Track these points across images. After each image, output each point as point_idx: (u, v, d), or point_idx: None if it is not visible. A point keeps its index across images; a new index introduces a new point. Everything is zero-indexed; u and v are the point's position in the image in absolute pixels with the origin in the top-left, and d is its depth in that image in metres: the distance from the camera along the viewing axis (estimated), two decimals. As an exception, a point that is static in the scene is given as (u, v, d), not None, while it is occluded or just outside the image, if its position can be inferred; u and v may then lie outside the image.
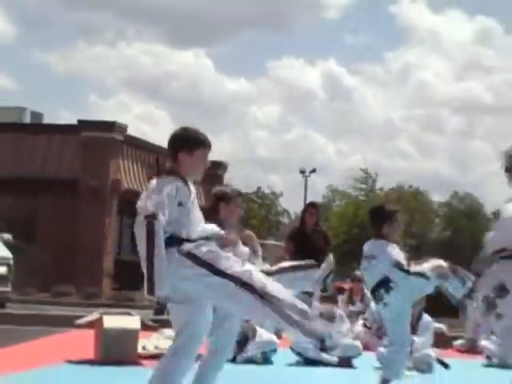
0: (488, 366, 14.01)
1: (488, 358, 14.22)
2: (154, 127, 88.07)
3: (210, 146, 7.48)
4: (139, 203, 7.02)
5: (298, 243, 16.07)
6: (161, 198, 7.00)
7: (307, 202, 25.94)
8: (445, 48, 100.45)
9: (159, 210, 6.91)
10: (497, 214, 6.57)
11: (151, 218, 6.84)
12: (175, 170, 7.29)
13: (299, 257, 11.74)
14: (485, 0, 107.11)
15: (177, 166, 7.30)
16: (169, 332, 14.22)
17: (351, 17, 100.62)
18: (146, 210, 6.92)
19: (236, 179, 52.88)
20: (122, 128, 33.83)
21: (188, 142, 7.35)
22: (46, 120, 39.21)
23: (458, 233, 64.29)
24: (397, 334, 9.50)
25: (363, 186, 71.78)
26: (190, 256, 7.01)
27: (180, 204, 7.14)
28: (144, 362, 11.90)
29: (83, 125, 33.39)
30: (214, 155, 8.05)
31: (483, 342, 14.82)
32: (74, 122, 34.36)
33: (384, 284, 9.65)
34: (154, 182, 7.18)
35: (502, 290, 6.02)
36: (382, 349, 12.94)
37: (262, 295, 6.95)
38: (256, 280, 6.99)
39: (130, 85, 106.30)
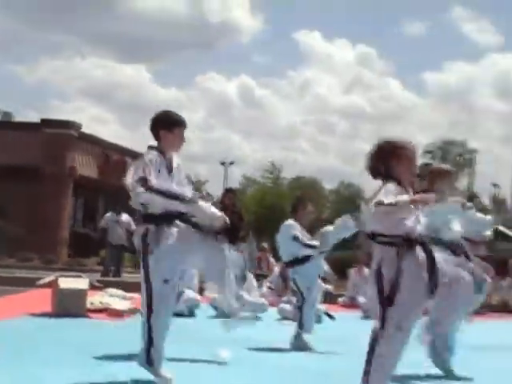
0: (364, 318, 14.29)
1: (364, 311, 14.52)
2: (103, 126, 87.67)
3: (186, 126, 7.52)
4: (128, 178, 6.98)
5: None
6: (145, 164, 7.00)
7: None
8: (335, 68, 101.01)
9: (147, 174, 6.89)
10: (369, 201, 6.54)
11: (143, 182, 6.81)
12: (156, 146, 7.32)
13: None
14: (364, 31, 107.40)
15: (159, 142, 7.34)
16: (112, 291, 14.41)
17: (261, 41, 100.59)
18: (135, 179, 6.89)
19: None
20: (77, 126, 33.75)
21: (168, 121, 7.40)
22: (15, 118, 38.89)
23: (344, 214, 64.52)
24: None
25: (270, 175, 72.55)
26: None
27: (158, 171, 7.09)
28: (91, 315, 12.08)
29: (45, 123, 33.37)
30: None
31: (360, 299, 15.17)
32: (38, 120, 34.33)
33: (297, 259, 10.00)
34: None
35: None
36: (282, 305, 13.23)
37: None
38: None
39: (85, 92, 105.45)
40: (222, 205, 17.12)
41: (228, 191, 18.95)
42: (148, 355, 6.92)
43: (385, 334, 5.82)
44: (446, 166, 11.13)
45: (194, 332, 9.80)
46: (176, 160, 7.43)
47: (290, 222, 10.33)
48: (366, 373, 5.85)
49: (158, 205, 6.93)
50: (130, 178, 6.96)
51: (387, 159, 6.16)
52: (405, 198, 5.80)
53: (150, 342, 6.93)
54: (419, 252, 5.92)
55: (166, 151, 7.30)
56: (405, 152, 6.20)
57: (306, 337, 9.97)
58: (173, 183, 7.18)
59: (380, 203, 5.78)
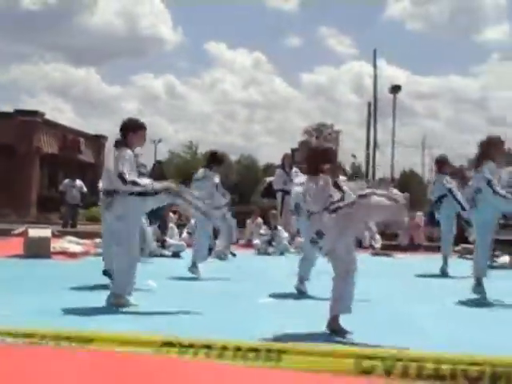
0: (257, 254, 14.49)
1: (257, 250, 14.70)
2: (61, 114, 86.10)
3: (146, 128, 7.59)
4: (116, 167, 7.07)
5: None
6: (125, 160, 7.09)
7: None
8: (236, 70, 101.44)
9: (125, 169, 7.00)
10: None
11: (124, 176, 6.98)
12: (126, 144, 7.33)
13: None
14: (258, 42, 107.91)
15: (127, 141, 7.35)
16: (69, 238, 14.34)
17: (180, 49, 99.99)
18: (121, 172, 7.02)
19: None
20: (41, 114, 33.34)
21: (133, 125, 7.48)
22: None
23: (244, 178, 64.33)
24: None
25: (189, 150, 72.91)
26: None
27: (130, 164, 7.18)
28: (54, 256, 12.01)
29: (18, 112, 32.93)
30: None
31: (254, 241, 15.25)
32: (12, 110, 33.80)
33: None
34: (119, 151, 7.23)
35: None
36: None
37: None
38: None
39: (47, 89, 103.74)
40: (153, 172, 17.27)
41: (157, 163, 19.11)
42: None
43: None
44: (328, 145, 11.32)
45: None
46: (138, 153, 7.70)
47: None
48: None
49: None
50: (116, 167, 7.08)
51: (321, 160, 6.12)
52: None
53: None
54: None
55: (132, 148, 7.38)
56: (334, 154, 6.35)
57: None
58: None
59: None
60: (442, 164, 11.66)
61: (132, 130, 7.43)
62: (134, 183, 6.99)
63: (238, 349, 3.96)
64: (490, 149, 8.60)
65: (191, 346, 4.05)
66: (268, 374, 3.91)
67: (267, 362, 3.82)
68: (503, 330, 6.41)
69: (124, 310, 6.81)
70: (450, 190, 11.16)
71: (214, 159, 10.49)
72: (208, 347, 4.01)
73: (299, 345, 4.45)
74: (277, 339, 4.97)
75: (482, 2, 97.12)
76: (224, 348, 3.97)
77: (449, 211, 11.31)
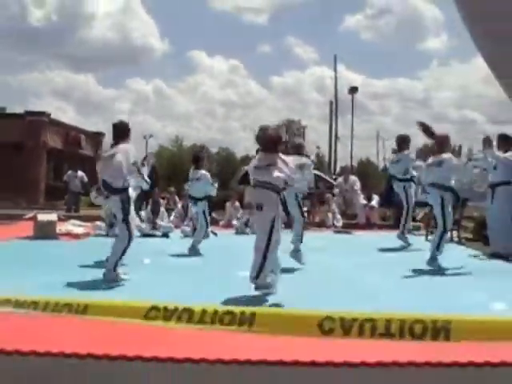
0: (236, 234, 14.23)
1: (236, 230, 14.62)
2: (65, 114, 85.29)
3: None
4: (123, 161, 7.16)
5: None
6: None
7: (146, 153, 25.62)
8: (215, 74, 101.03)
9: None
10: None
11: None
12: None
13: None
14: (234, 50, 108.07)
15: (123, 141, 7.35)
16: (73, 221, 14.25)
17: (167, 57, 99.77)
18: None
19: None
20: (47, 115, 33.09)
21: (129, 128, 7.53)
22: (8, 111, 37.61)
23: (224, 168, 63.97)
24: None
25: (176, 144, 73.63)
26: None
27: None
28: (60, 237, 11.94)
29: (27, 113, 32.64)
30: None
31: (234, 222, 15.22)
32: (22, 111, 33.51)
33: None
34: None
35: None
36: (183, 227, 13.22)
37: None
38: None
39: (52, 92, 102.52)
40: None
41: (147, 155, 19.07)
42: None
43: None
44: (298, 140, 11.37)
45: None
46: None
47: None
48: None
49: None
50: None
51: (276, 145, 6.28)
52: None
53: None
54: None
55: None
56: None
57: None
58: None
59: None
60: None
61: (128, 132, 7.53)
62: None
63: (215, 312, 3.98)
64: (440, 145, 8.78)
65: (175, 309, 4.07)
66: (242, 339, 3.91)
67: (241, 325, 3.84)
68: (442, 293, 6.51)
69: (119, 282, 6.84)
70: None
71: (199, 160, 10.54)
72: (190, 310, 4.02)
73: (269, 309, 4.48)
74: (250, 304, 4.97)
75: (423, 16, 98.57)
76: (204, 311, 3.99)
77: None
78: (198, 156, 10.73)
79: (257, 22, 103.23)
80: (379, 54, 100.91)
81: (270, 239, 6.00)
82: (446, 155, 8.64)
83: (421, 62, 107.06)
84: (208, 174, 10.26)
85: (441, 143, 8.83)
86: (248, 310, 4.07)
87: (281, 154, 6.28)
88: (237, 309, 4.08)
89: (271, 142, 6.30)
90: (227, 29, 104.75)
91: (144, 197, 13.54)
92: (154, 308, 4.12)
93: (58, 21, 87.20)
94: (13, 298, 4.61)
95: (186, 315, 4.01)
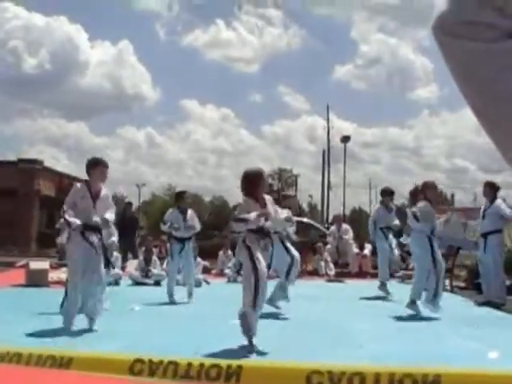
0: (228, 282, 14.15)
1: (228, 278, 14.42)
2: (57, 162, 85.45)
3: (106, 165, 7.32)
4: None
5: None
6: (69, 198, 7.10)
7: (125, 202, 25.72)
8: (206, 123, 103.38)
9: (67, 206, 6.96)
10: (236, 208, 6.71)
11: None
12: (86, 180, 7.23)
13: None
14: (225, 99, 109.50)
15: (89, 177, 7.20)
16: (65, 269, 14.11)
17: (159, 105, 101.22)
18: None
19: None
20: (40, 162, 33.14)
21: (93, 162, 7.26)
22: (1, 158, 37.72)
23: (217, 216, 63.86)
24: None
25: (168, 192, 74.42)
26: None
27: (82, 197, 7.06)
28: (52, 285, 11.81)
29: (20, 161, 32.68)
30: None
31: (226, 271, 15.07)
32: (15, 159, 33.54)
33: None
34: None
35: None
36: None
37: None
38: None
39: (45, 140, 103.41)
40: (124, 213, 17.22)
41: (127, 204, 19.19)
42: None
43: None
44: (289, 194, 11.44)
45: (119, 294, 9.67)
46: (104, 190, 7.29)
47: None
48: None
49: None
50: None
51: (252, 184, 6.19)
52: (253, 214, 5.85)
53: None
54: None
55: (92, 184, 7.18)
56: (263, 178, 6.31)
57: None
58: (95, 206, 7.11)
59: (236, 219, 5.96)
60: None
61: (91, 167, 7.23)
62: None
63: (201, 365, 3.87)
64: (425, 191, 8.75)
65: (161, 362, 3.96)
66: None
67: (228, 379, 3.72)
68: (435, 341, 6.41)
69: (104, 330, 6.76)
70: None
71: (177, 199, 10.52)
72: (175, 363, 3.91)
73: (256, 362, 4.37)
74: (238, 356, 4.86)
75: (413, 66, 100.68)
76: (189, 365, 3.88)
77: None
78: (178, 193, 10.78)
79: (248, 71, 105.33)
80: (370, 103, 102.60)
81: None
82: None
83: (411, 110, 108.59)
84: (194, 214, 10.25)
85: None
86: (234, 363, 3.96)
87: (245, 198, 6.18)
88: (223, 362, 3.97)
89: (246, 182, 6.25)
90: (218, 78, 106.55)
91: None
92: (139, 361, 4.01)
93: (52, 69, 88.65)
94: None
95: (172, 368, 3.90)
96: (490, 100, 1.17)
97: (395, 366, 3.98)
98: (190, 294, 9.92)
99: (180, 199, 10.38)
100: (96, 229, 7.08)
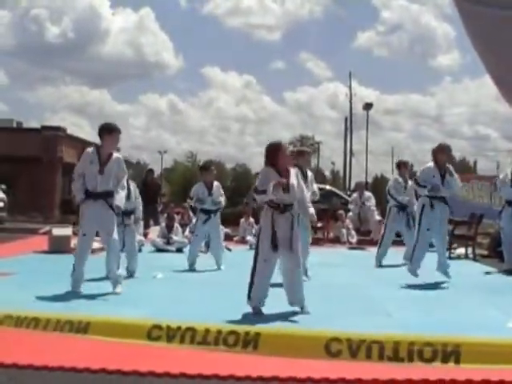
0: (250, 249, 14.08)
1: (250, 245, 14.35)
2: (80, 129, 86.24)
3: (120, 132, 7.27)
4: None
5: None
6: (79, 164, 7.14)
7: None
8: (229, 90, 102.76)
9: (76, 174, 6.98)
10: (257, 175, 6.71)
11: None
12: (98, 144, 7.23)
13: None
14: (247, 66, 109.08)
15: (102, 142, 7.17)
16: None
17: (181, 72, 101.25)
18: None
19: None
20: (63, 129, 33.17)
21: (107, 128, 7.21)
22: (24, 125, 37.88)
23: (239, 183, 63.76)
24: None
25: (190, 159, 75.32)
26: None
27: (91, 162, 7.07)
28: (74, 252, 11.88)
29: (44, 128, 32.63)
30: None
31: (248, 238, 15.03)
32: (39, 126, 33.63)
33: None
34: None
35: None
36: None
37: None
38: None
39: (68, 107, 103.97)
40: (145, 180, 17.21)
41: (149, 171, 19.15)
42: None
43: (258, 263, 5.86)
44: (303, 148, 11.26)
45: (141, 261, 9.71)
46: (115, 155, 7.27)
47: None
48: (250, 284, 5.88)
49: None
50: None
51: (272, 155, 6.12)
52: (270, 184, 5.79)
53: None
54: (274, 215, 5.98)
55: (104, 149, 7.16)
56: (283, 150, 6.22)
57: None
58: (103, 172, 7.09)
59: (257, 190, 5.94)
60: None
61: (106, 133, 7.19)
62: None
63: (219, 332, 3.86)
64: (435, 154, 8.69)
65: (178, 328, 3.96)
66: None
67: (246, 346, 3.71)
68: (456, 310, 6.38)
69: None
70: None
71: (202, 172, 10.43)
72: (193, 330, 3.91)
73: (273, 329, 4.36)
74: (256, 323, 4.88)
75: (435, 33, 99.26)
76: (207, 331, 3.88)
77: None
78: (203, 166, 10.67)
79: (270, 38, 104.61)
80: (392, 70, 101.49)
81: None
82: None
83: (433, 78, 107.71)
84: (220, 186, 10.21)
85: None
86: (253, 329, 3.96)
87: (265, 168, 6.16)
88: (241, 328, 3.96)
89: (266, 154, 6.22)
90: (240, 45, 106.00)
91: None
92: (157, 327, 4.02)
93: (74, 37, 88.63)
94: (14, 315, 4.53)
95: (190, 335, 3.90)
96: (508, 67, 1.12)
97: (415, 334, 3.95)
98: (218, 265, 9.93)
99: (205, 172, 10.29)
100: (103, 195, 7.10)
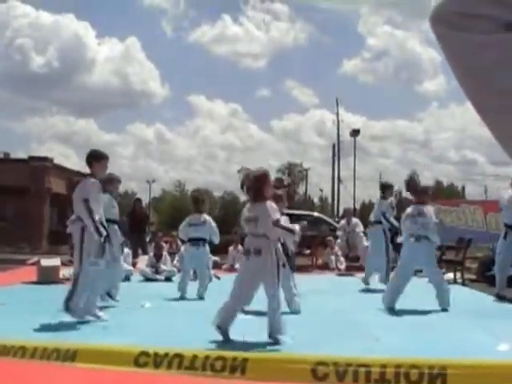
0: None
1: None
2: (67, 159, 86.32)
3: (107, 158, 7.38)
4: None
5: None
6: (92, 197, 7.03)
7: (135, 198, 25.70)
8: (215, 118, 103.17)
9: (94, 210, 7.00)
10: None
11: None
12: (92, 174, 7.23)
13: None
14: (232, 94, 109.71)
15: (91, 170, 7.23)
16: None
17: (167, 102, 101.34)
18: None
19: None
20: (50, 160, 33.35)
21: (95, 155, 7.29)
22: (11, 156, 37.84)
23: (228, 211, 63.81)
24: None
25: (178, 188, 75.58)
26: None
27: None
28: (64, 282, 11.85)
29: (31, 159, 32.89)
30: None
31: (236, 266, 14.95)
32: (26, 157, 33.72)
33: None
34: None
35: None
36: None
37: None
38: None
39: (54, 138, 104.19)
40: (133, 209, 17.27)
41: (136, 200, 19.26)
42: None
43: None
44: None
45: (129, 291, 9.68)
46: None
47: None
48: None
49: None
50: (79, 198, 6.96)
51: (263, 186, 6.07)
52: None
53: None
54: None
55: (97, 177, 7.23)
56: (269, 180, 6.22)
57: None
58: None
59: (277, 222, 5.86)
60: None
61: (96, 160, 7.27)
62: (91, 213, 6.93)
63: (207, 357, 3.86)
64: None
65: (166, 355, 3.95)
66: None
67: (233, 372, 3.71)
68: (441, 335, 6.40)
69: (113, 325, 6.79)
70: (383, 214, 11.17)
71: (200, 202, 10.40)
72: (180, 356, 3.91)
73: (261, 354, 4.36)
74: (243, 349, 4.86)
75: (420, 59, 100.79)
76: (194, 357, 3.87)
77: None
78: (198, 198, 10.63)
79: (255, 66, 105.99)
80: (378, 97, 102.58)
81: (278, 284, 5.93)
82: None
83: (420, 103, 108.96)
84: (212, 221, 10.18)
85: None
86: (240, 355, 3.96)
87: (269, 202, 6.03)
88: (229, 354, 3.97)
89: (256, 188, 6.06)
90: (226, 73, 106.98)
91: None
92: (144, 353, 4.01)
93: (60, 66, 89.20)
94: (0, 343, 4.51)
95: (177, 361, 3.89)
96: (488, 94, 1.15)
97: (401, 357, 3.97)
98: (200, 294, 9.91)
99: (197, 204, 10.36)
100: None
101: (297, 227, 6.45)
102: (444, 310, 8.19)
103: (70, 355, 4.11)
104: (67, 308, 6.94)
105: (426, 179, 12.45)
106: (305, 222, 8.91)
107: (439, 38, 1.17)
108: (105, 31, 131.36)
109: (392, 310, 8.06)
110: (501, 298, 9.62)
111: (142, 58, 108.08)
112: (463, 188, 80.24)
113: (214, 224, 10.11)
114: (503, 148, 1.21)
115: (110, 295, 8.65)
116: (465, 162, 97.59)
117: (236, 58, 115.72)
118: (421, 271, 9.39)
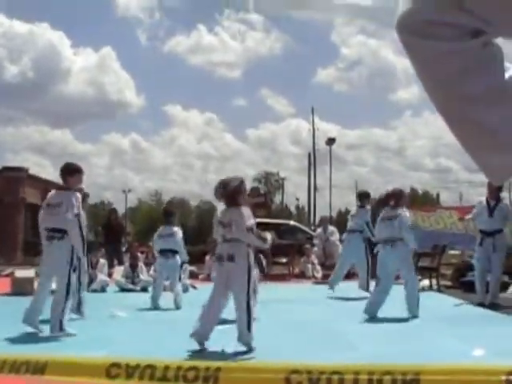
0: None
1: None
2: (42, 169, 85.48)
3: (82, 172, 7.32)
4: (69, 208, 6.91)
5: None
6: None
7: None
8: (190, 127, 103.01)
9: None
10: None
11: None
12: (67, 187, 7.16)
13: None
14: (209, 103, 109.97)
15: (67, 184, 7.17)
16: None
17: (143, 111, 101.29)
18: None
19: None
20: (25, 170, 33.22)
21: (69, 169, 7.23)
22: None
23: (204, 221, 63.63)
24: None
25: (154, 198, 75.83)
26: None
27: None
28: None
29: (5, 169, 32.72)
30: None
31: (213, 275, 14.94)
32: (0, 167, 33.43)
33: None
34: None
35: None
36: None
37: None
38: None
39: (29, 148, 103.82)
40: (109, 220, 17.12)
41: (111, 210, 19.20)
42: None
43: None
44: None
45: (104, 301, 9.60)
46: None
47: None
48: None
49: None
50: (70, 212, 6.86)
51: (238, 191, 6.10)
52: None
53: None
54: None
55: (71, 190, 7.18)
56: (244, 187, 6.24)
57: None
58: None
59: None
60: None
61: (72, 173, 7.21)
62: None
63: (179, 368, 3.83)
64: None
65: (137, 366, 3.91)
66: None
67: (206, 381, 3.68)
68: (416, 342, 6.44)
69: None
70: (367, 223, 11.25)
71: (172, 215, 10.43)
72: (152, 367, 3.87)
73: (234, 363, 4.35)
74: (216, 358, 4.85)
75: (394, 68, 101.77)
76: (166, 368, 3.84)
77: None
78: (168, 210, 10.67)
79: (230, 76, 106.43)
80: (353, 105, 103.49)
81: (249, 291, 5.89)
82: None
83: (394, 112, 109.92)
84: (181, 233, 10.17)
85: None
86: (213, 364, 3.93)
87: (244, 208, 6.08)
88: (201, 364, 3.94)
89: (231, 195, 6.09)
90: (202, 83, 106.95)
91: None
92: (115, 365, 3.96)
93: (34, 76, 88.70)
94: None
95: (149, 372, 3.85)
96: (454, 101, 1.15)
97: (374, 363, 3.97)
98: (177, 304, 9.84)
99: (168, 217, 10.38)
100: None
101: (268, 236, 6.42)
102: (414, 316, 8.16)
103: (40, 368, 4.05)
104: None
105: (402, 187, 12.50)
106: (273, 232, 8.96)
107: (406, 45, 1.16)
108: (80, 41, 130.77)
109: (371, 319, 8.05)
110: (482, 305, 9.53)
111: (117, 67, 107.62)
112: (438, 195, 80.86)
113: (180, 238, 10.08)
114: (468, 153, 1.20)
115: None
116: (440, 170, 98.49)
117: (211, 68, 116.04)
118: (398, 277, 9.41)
